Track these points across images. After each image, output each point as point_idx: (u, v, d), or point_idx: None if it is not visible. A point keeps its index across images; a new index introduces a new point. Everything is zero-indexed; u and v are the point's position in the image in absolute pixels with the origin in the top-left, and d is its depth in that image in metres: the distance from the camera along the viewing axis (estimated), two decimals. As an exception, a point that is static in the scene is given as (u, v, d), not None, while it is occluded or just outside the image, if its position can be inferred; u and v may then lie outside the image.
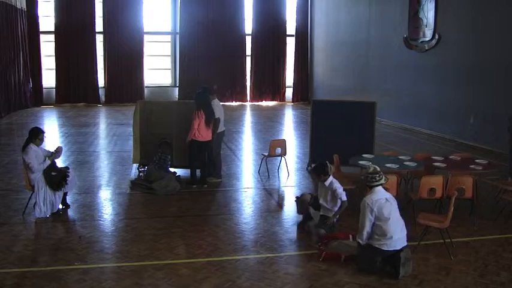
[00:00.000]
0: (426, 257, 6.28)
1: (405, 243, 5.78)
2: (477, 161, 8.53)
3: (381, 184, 5.86)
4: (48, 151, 7.85)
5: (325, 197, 7.04)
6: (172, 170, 9.75)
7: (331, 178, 7.02)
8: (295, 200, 7.73)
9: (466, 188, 7.27)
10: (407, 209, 7.66)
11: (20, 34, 20.24)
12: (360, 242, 5.79)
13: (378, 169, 5.96)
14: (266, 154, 10.53)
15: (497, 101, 12.76)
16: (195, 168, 9.38)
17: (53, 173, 7.63)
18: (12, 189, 8.99)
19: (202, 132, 9.04)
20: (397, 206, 5.88)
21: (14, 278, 5.59)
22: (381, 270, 5.70)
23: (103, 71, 23.16)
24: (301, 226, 7.21)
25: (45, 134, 7.85)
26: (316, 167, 7.21)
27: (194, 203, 8.53)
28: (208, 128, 9.11)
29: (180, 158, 9.83)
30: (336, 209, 6.97)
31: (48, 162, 7.62)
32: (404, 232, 5.83)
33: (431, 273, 5.84)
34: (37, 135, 7.65)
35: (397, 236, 5.72)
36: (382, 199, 5.77)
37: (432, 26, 15.78)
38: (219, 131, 9.63)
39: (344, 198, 6.93)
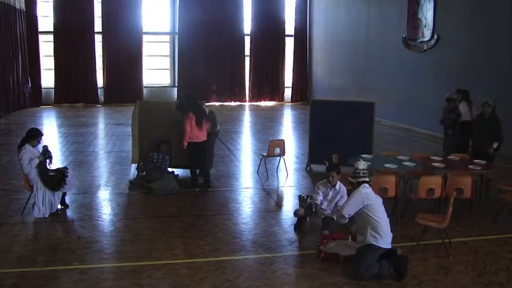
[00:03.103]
0: (425, 257, 6.29)
1: (389, 246, 5.80)
2: (476, 161, 8.53)
3: (367, 182, 5.97)
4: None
5: (329, 202, 7.08)
6: (170, 170, 9.73)
7: (339, 183, 7.08)
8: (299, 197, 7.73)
9: (465, 188, 7.28)
10: (406, 209, 7.69)
11: (18, 34, 20.23)
12: (342, 220, 5.92)
13: (366, 166, 6.11)
14: (265, 154, 10.52)
15: (496, 101, 12.74)
16: (196, 171, 9.32)
17: (52, 173, 7.62)
18: (11, 189, 8.98)
19: (196, 133, 8.98)
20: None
21: (13, 278, 5.59)
22: (383, 275, 5.64)
23: (102, 71, 23.15)
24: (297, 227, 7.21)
25: (42, 137, 7.81)
26: (337, 165, 7.31)
27: (193, 203, 8.53)
28: (200, 128, 9.05)
29: (178, 158, 9.82)
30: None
31: (36, 161, 7.49)
32: (391, 233, 5.88)
33: (430, 273, 5.84)
34: (35, 136, 7.62)
35: (389, 233, 5.80)
36: (374, 194, 5.95)
37: (431, 26, 15.80)
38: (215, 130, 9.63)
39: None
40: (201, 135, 9.10)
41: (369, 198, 5.83)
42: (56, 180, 7.54)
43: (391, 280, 5.60)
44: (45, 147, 7.76)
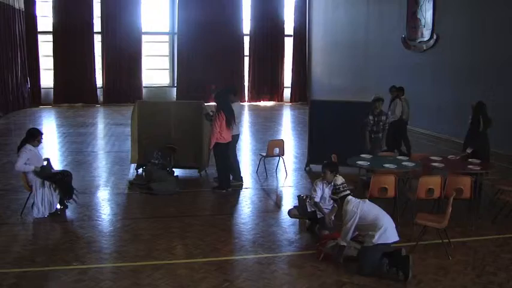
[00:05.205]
0: (424, 257, 6.29)
1: (397, 238, 5.83)
2: (475, 161, 8.52)
3: (349, 194, 6.03)
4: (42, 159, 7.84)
5: (324, 199, 7.07)
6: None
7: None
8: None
9: (464, 188, 7.28)
10: (405, 209, 7.69)
11: (18, 34, 20.20)
12: (344, 243, 5.92)
13: (343, 180, 6.21)
14: (264, 154, 10.52)
15: (496, 101, 12.76)
16: (228, 171, 9.17)
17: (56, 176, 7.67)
18: (11, 189, 8.98)
19: (224, 134, 8.86)
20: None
21: (13, 278, 5.59)
22: (387, 273, 5.68)
23: (101, 71, 23.14)
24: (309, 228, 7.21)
25: (42, 136, 7.81)
26: (333, 163, 7.26)
27: (192, 203, 8.53)
28: (229, 129, 8.93)
29: (177, 159, 9.81)
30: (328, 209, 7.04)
31: (31, 167, 7.43)
32: (393, 223, 5.90)
33: (429, 273, 5.85)
34: (35, 136, 7.62)
35: (388, 225, 5.79)
36: (358, 202, 5.92)
37: (430, 26, 15.81)
38: (234, 133, 9.32)
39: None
40: (228, 136, 9.00)
41: (358, 207, 5.84)
42: (63, 186, 7.65)
43: (391, 280, 5.61)
44: (48, 160, 7.94)
